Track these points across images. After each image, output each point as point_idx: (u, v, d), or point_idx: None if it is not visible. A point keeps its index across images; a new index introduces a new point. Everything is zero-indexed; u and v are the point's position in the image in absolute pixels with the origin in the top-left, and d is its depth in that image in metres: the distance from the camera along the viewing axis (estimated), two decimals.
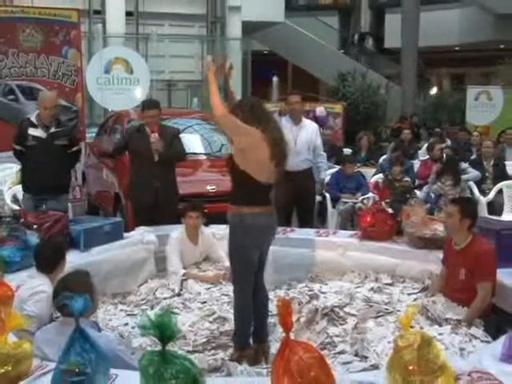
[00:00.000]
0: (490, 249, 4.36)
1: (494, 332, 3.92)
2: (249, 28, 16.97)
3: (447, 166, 7.66)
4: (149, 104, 6.42)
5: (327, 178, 8.16)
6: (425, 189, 7.74)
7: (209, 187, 6.96)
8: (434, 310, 4.23)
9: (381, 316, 4.44)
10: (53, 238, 4.64)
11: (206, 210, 5.63)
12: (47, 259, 3.98)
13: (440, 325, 4.10)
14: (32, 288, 3.74)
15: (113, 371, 2.72)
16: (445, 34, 20.26)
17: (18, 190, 7.40)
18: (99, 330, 3.30)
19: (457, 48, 21.94)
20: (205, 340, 4.24)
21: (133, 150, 6.23)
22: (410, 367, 2.61)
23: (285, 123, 6.31)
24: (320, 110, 12.94)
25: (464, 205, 4.52)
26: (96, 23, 15.09)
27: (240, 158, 4.00)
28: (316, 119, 13.22)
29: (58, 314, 3.37)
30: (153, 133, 6.04)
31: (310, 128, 6.77)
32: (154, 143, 6.01)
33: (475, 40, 20.21)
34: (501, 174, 8.48)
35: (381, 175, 8.31)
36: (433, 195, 7.54)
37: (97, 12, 15.31)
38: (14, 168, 8.08)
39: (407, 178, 7.88)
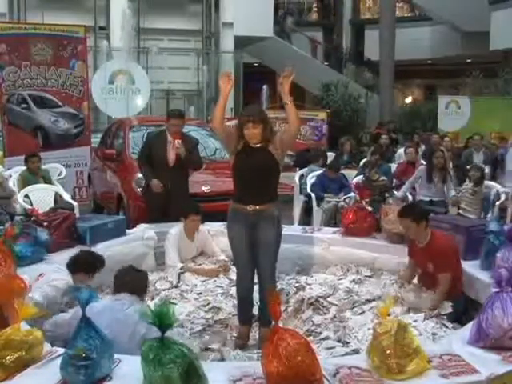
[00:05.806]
0: (448, 243, 4.34)
1: (460, 315, 3.97)
2: (240, 42, 16.98)
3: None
4: (173, 113, 6.25)
5: (313, 180, 8.18)
6: (403, 189, 7.75)
7: (204, 188, 6.94)
8: (408, 299, 4.24)
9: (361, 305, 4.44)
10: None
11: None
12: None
13: (414, 313, 4.11)
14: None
15: (116, 356, 2.70)
16: (418, 49, 20.45)
17: (30, 190, 7.37)
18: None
19: (429, 61, 22.12)
20: (200, 328, 4.23)
21: (151, 153, 6.13)
22: (388, 351, 2.63)
23: None
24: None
25: (412, 212, 4.45)
26: (101, 38, 15.08)
27: (282, 161, 4.10)
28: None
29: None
30: (176, 139, 5.95)
31: None
32: (177, 148, 5.92)
33: (445, 54, 20.42)
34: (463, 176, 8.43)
35: (361, 176, 8.31)
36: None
37: (102, 28, 15.32)
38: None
39: (383, 178, 7.87)
